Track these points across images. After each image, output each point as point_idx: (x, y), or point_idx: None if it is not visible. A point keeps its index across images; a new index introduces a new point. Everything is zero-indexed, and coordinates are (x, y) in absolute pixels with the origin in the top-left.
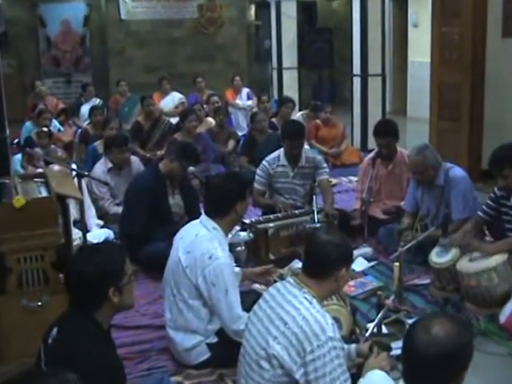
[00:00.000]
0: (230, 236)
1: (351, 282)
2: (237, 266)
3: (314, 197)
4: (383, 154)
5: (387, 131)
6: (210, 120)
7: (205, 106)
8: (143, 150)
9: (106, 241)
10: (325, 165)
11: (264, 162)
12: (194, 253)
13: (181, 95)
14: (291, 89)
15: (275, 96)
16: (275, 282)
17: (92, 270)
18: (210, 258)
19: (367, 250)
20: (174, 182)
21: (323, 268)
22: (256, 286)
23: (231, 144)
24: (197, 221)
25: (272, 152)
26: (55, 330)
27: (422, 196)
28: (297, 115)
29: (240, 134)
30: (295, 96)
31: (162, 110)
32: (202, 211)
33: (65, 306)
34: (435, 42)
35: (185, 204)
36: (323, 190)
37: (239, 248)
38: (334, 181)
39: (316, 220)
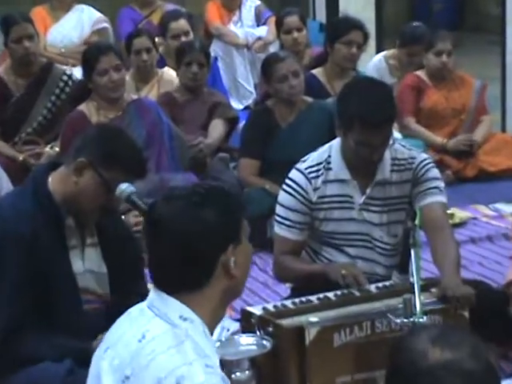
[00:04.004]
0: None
1: None
2: None
3: (413, 252)
4: None
5: None
6: (169, 74)
7: (157, 41)
8: (10, 144)
9: None
10: (435, 173)
11: (295, 175)
12: (139, 378)
13: (98, 14)
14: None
15: (320, 16)
16: None
17: None
18: None
19: None
20: (83, 220)
21: None
22: None
23: (218, 128)
24: (141, 305)
25: (313, 149)
26: None
27: None
28: (373, 61)
29: (239, 106)
30: (369, 15)
31: (52, 48)
32: (151, 285)
33: None
34: None
35: (110, 269)
36: (433, 235)
37: (238, 374)
38: (458, 214)
39: (418, 308)
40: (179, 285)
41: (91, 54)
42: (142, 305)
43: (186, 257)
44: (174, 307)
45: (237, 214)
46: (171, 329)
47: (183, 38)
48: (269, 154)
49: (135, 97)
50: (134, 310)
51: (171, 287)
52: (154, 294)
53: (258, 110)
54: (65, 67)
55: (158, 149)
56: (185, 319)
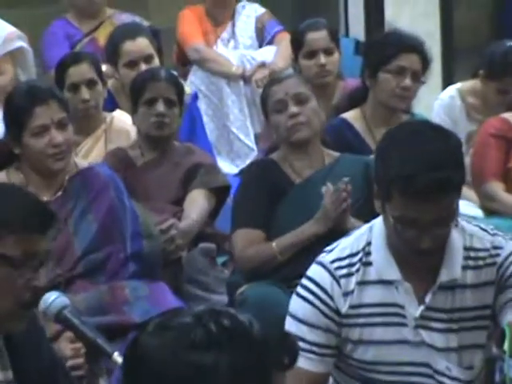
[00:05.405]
0: None
1: None
2: None
3: None
4: None
5: None
6: (122, 120)
7: (104, 70)
8: None
9: None
10: None
11: (315, 272)
12: None
13: (11, 27)
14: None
15: (355, 31)
16: None
17: None
18: None
19: None
20: None
21: None
22: None
23: (199, 204)
24: None
25: (344, 233)
26: None
27: None
28: (442, 98)
29: (233, 170)
30: (430, 29)
31: None
32: None
33: None
34: None
35: None
36: None
37: None
38: None
39: None
40: None
41: (20, 102)
42: None
43: None
44: None
45: (262, 373)
46: None
47: (143, 66)
48: (277, 220)
49: (82, 164)
50: None
51: None
52: None
53: (257, 163)
54: None
55: (115, 250)
56: None
